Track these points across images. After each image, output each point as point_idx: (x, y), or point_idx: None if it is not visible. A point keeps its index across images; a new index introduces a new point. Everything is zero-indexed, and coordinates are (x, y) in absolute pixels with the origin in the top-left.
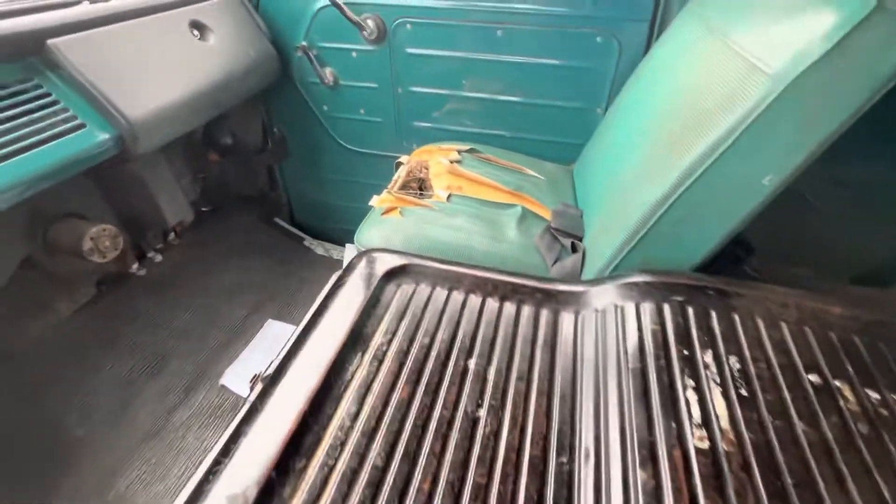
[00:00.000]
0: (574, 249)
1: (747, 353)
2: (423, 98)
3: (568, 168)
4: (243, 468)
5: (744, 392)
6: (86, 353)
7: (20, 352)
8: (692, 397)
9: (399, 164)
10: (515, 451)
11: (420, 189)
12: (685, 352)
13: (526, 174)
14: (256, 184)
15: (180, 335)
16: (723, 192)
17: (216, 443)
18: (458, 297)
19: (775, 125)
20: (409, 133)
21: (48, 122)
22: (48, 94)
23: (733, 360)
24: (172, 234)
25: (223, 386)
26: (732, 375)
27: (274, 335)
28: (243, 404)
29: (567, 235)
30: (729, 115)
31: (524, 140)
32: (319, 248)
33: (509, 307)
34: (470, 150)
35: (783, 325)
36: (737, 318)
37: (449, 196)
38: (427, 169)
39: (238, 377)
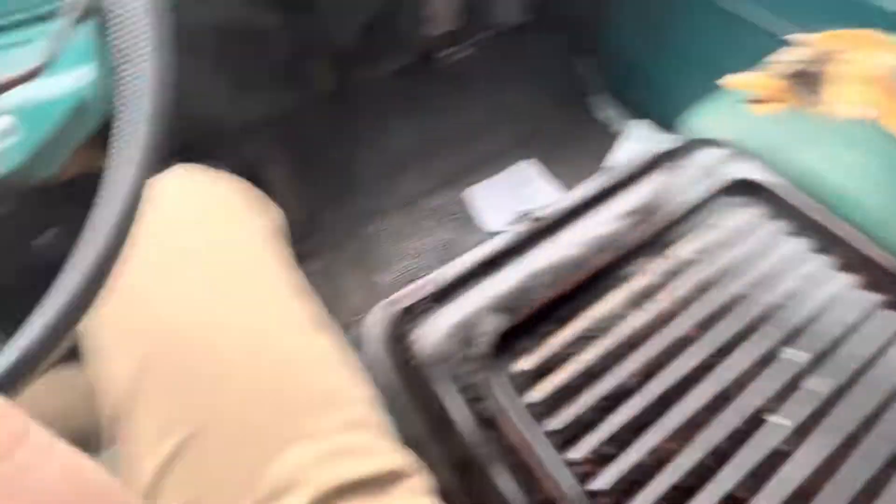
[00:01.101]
0: None
1: None
2: None
3: None
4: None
5: None
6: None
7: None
8: None
9: (786, 43)
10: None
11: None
12: None
13: None
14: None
15: (454, 132)
16: None
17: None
18: (811, 268)
19: None
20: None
21: None
22: None
23: None
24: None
25: (461, 198)
26: None
27: (528, 178)
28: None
29: None
30: None
31: None
32: (604, 111)
33: (889, 318)
34: None
35: None
36: None
37: (856, 119)
38: (832, 63)
39: (480, 197)
